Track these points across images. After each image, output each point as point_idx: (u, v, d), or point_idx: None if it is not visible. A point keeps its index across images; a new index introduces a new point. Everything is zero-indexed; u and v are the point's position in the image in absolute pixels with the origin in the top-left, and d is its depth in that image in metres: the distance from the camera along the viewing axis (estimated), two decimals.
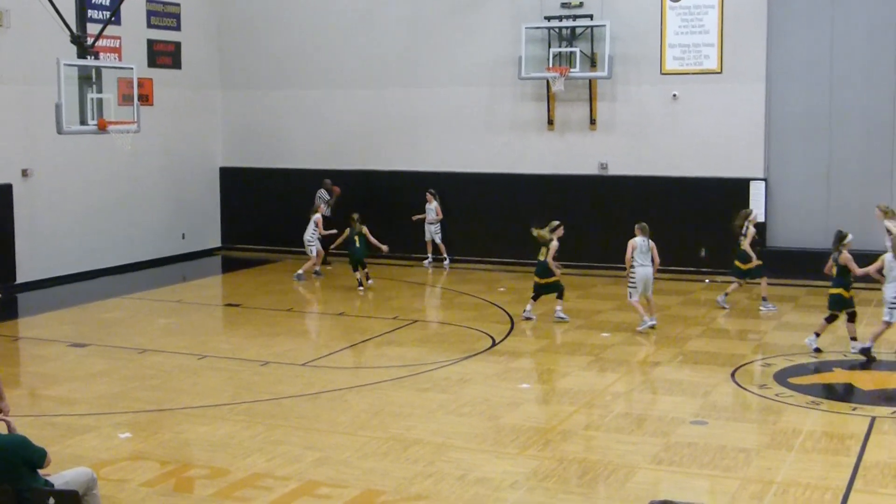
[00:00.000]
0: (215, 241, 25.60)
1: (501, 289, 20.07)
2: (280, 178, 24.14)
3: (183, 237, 24.43)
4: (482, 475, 9.98)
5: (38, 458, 7.54)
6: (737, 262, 18.38)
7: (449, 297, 18.53)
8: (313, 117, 24.70)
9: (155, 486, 9.77)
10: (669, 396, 12.86)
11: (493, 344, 15.75)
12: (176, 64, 24.16)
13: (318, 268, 21.49)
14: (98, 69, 16.60)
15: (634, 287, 16.55)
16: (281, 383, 13.54)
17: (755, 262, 18.27)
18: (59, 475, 7.76)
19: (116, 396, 12.86)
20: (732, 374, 13.79)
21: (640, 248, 16.62)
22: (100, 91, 16.55)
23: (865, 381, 13.55)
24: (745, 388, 13.18)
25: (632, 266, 16.52)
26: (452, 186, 23.29)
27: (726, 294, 18.49)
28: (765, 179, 21.38)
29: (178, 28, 24.16)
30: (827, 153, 21.26)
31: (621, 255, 22.08)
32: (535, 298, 17.36)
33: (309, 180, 24.10)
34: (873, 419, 11.73)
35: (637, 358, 14.79)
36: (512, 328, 16.71)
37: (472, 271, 21.39)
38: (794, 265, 21.08)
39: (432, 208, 22.33)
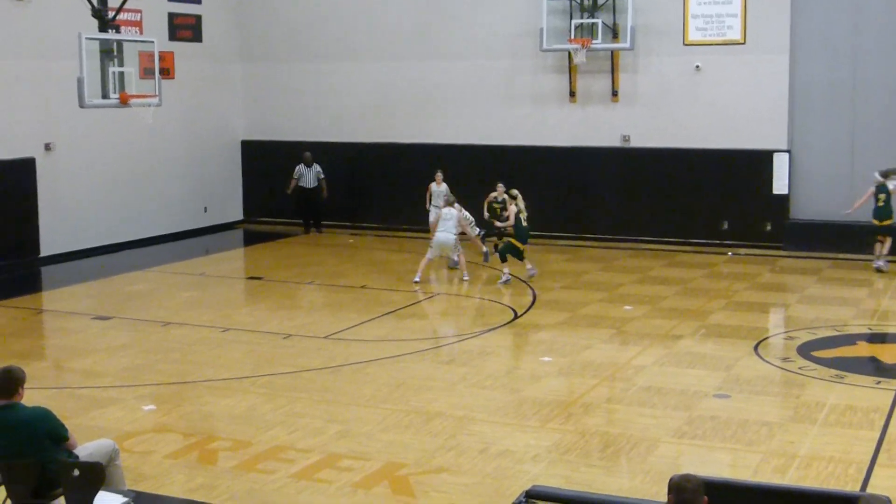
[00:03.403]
0: (237, 214, 25.64)
1: (530, 266, 20.03)
2: (301, 150, 24.09)
3: (205, 210, 24.48)
4: (504, 448, 9.99)
5: (62, 430, 7.59)
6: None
7: (470, 269, 18.51)
8: (333, 90, 24.63)
9: (178, 458, 9.83)
10: (692, 370, 12.84)
11: (515, 317, 15.74)
12: (196, 37, 24.13)
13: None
14: (119, 43, 16.59)
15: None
16: (303, 356, 13.58)
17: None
18: (83, 447, 7.81)
19: (140, 369, 12.93)
20: (755, 348, 13.74)
21: (445, 216, 18.27)
22: (121, 65, 16.55)
23: (890, 354, 13.49)
24: (768, 362, 13.14)
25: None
26: (472, 159, 23.21)
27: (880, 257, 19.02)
28: (788, 151, 21.23)
29: (198, 1, 24.10)
30: (851, 124, 21.07)
31: (643, 228, 22.11)
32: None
33: (330, 153, 24.10)
34: None
35: (659, 331, 14.75)
36: (534, 301, 16.68)
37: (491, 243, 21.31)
38: (818, 237, 20.96)
39: (442, 191, 20.62)
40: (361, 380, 12.48)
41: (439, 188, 20.49)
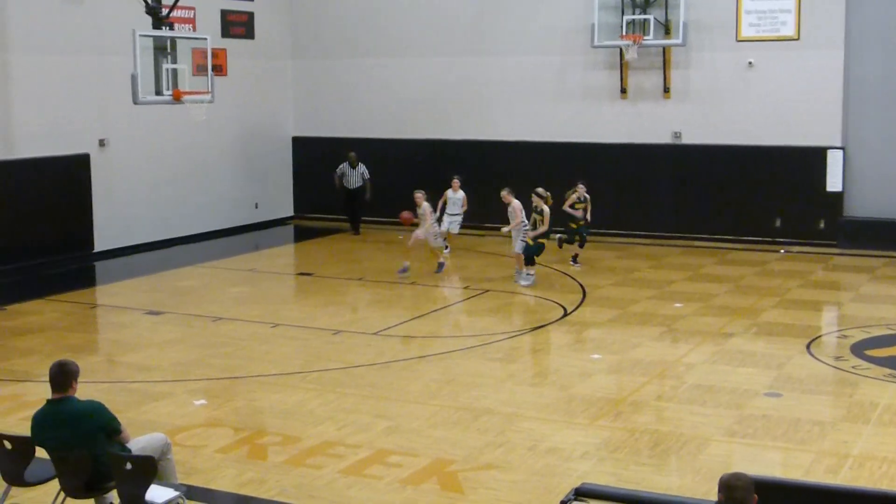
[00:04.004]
0: (287, 210, 25.80)
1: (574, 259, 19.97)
2: (351, 147, 24.17)
3: (256, 206, 24.65)
4: (552, 445, 9.97)
5: (115, 424, 7.67)
6: None
7: (511, 264, 18.47)
8: (383, 86, 24.71)
9: (229, 452, 9.91)
10: (743, 368, 12.72)
11: (565, 314, 15.70)
12: (249, 34, 24.30)
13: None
14: (173, 40, 16.77)
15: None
16: (352, 352, 13.62)
17: None
18: (135, 441, 7.89)
19: (191, 364, 13.04)
20: (808, 346, 13.59)
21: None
22: (174, 62, 16.73)
23: None
24: (820, 360, 12.99)
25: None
26: (523, 155, 23.19)
27: None
28: (842, 148, 20.98)
29: None
30: None
31: (695, 225, 21.95)
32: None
33: (380, 149, 24.18)
34: None
35: (710, 329, 14.63)
36: (584, 298, 16.62)
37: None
38: (872, 235, 20.71)
39: (459, 198, 20.16)
40: (410, 376, 12.50)
41: (456, 195, 20.05)
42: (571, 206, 18.91)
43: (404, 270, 18.35)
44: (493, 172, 23.13)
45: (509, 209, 17.69)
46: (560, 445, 9.97)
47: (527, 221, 17.59)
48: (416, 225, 18.42)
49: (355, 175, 23.30)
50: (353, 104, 25.08)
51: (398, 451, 9.86)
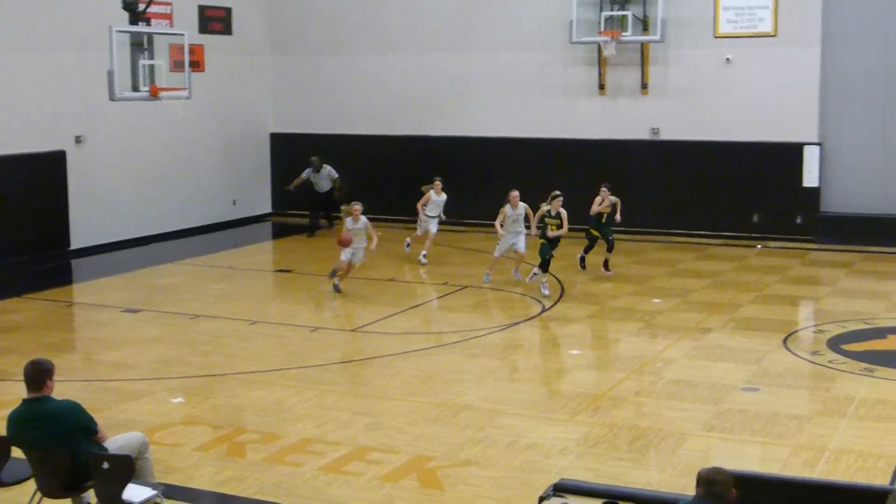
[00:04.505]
0: (266, 207, 25.73)
1: (522, 250, 19.97)
2: (330, 143, 24.15)
3: (234, 203, 24.58)
4: (532, 441, 9.99)
5: (91, 423, 7.64)
6: None
7: (499, 263, 18.47)
8: (363, 83, 24.66)
9: (207, 450, 9.88)
10: (721, 363, 12.77)
11: (544, 310, 15.72)
12: (227, 30, 24.22)
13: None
14: (150, 36, 16.68)
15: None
16: (331, 349, 13.61)
17: None
18: (112, 440, 7.85)
19: (169, 361, 13.00)
20: (785, 341, 13.66)
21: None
22: (151, 57, 16.64)
23: None
24: (797, 355, 13.06)
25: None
26: (503, 152, 23.21)
27: None
28: (819, 144, 21.08)
29: None
30: (883, 116, 20.90)
31: (673, 220, 22.04)
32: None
33: (359, 146, 24.14)
34: None
35: (688, 324, 14.69)
36: (562, 294, 16.65)
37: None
38: (849, 230, 20.82)
39: (441, 200, 19.51)
40: (390, 373, 12.50)
41: (439, 197, 19.40)
42: (597, 214, 17.90)
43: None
44: (473, 169, 23.18)
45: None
46: (539, 441, 9.98)
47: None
48: (346, 244, 16.57)
49: (322, 178, 22.79)
50: (333, 100, 25.03)
51: (378, 447, 9.86)
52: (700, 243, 21.23)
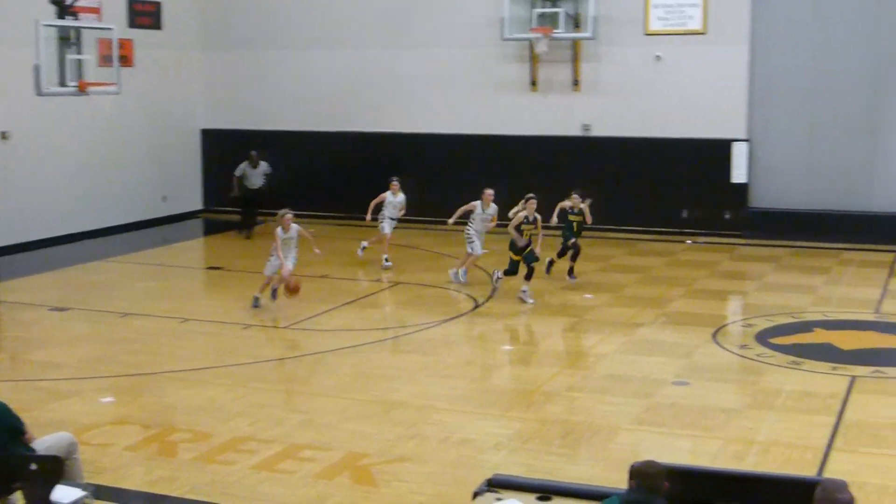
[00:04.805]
0: (196, 203, 25.48)
1: (484, 251, 20.02)
2: (262, 139, 23.98)
3: (164, 200, 24.30)
4: (465, 437, 10.01)
5: (18, 424, 7.51)
6: None
7: (431, 258, 18.51)
8: (295, 78, 24.52)
9: (138, 450, 9.76)
10: (651, 357, 12.91)
11: (476, 306, 15.76)
12: (156, 24, 23.92)
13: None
14: (77, 30, 16.45)
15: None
16: (264, 346, 13.53)
17: None
18: (40, 441, 7.73)
19: (99, 360, 12.82)
20: (714, 335, 13.84)
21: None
22: (79, 52, 16.42)
23: (845, 340, 13.62)
24: (726, 349, 13.24)
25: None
26: (436, 148, 23.22)
27: None
28: (748, 140, 21.37)
29: None
30: (809, 114, 21.24)
31: (605, 216, 22.16)
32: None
33: (292, 142, 24.01)
34: (853, 378, 11.80)
35: (620, 319, 14.81)
36: (495, 290, 16.69)
37: (455, 233, 21.29)
38: (777, 226, 21.14)
39: (399, 201, 18.85)
40: (323, 369, 12.46)
41: (396, 198, 18.73)
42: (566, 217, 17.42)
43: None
44: (406, 165, 23.13)
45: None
46: (473, 437, 10.01)
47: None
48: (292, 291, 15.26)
49: (257, 175, 22.25)
50: (265, 96, 24.85)
51: (311, 445, 9.82)
52: (631, 239, 21.42)
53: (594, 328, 14.44)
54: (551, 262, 17.45)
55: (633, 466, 5.68)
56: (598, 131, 22.29)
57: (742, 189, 21.44)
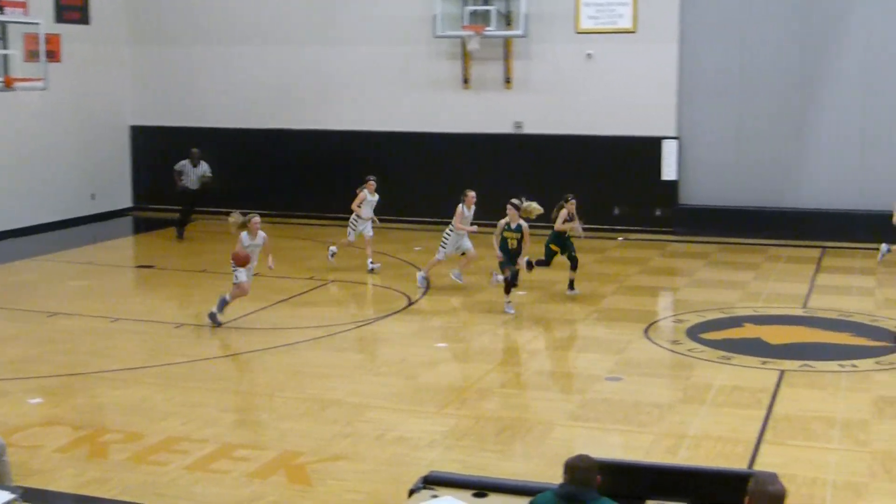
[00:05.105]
0: (126, 201, 25.15)
1: (417, 248, 20.05)
2: (193, 136, 23.71)
3: (92, 197, 23.95)
4: (400, 434, 10.01)
5: None
6: None
7: (365, 256, 18.45)
8: (227, 74, 24.32)
9: (68, 451, 9.63)
10: (585, 353, 13.01)
11: (410, 303, 15.76)
12: (84, 19, 23.58)
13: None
14: (3, 24, 16.17)
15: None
16: (196, 345, 13.41)
17: None
18: None
19: (27, 361, 12.61)
20: (646, 331, 13.98)
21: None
22: (5, 47, 16.14)
23: (774, 335, 13.84)
24: (658, 344, 13.38)
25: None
26: (368, 145, 23.17)
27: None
28: (677, 138, 21.62)
29: None
30: (738, 112, 21.55)
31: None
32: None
33: (224, 138, 23.79)
34: (782, 372, 12.00)
35: (553, 315, 14.91)
36: (428, 287, 16.71)
37: (387, 230, 21.29)
38: (707, 222, 21.40)
39: (375, 200, 18.18)
40: (257, 368, 12.38)
41: (373, 197, 18.05)
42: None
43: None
44: (338, 162, 23.08)
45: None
46: (408, 434, 10.02)
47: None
48: (244, 263, 14.29)
49: (195, 174, 21.26)
50: (196, 92, 24.60)
51: (245, 444, 9.76)
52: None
53: (527, 325, 14.51)
54: (529, 263, 15.86)
55: (566, 461, 5.72)
56: (530, 129, 22.40)
57: (672, 186, 21.68)
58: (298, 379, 11.85)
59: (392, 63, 23.09)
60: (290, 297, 16.25)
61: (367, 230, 18.04)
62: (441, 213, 20.42)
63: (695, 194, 21.88)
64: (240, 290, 14.32)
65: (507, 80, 22.46)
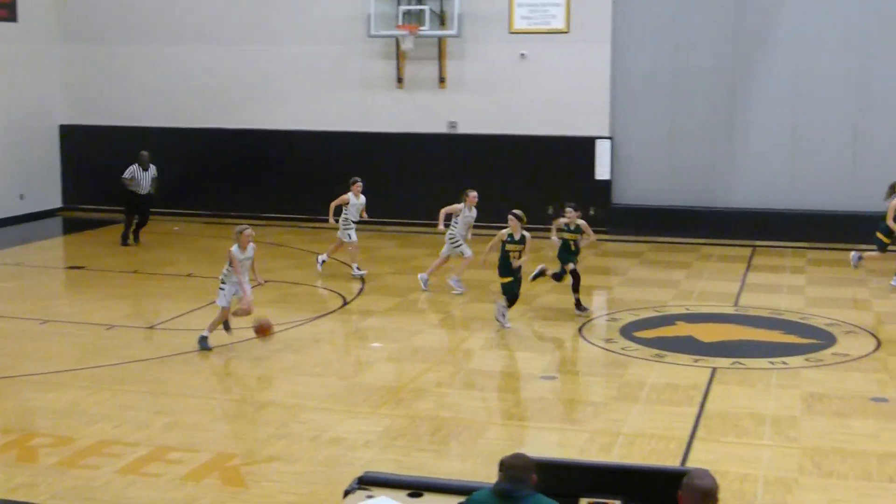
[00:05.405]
0: (56, 201, 24.77)
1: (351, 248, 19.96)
2: (125, 136, 23.45)
3: (21, 198, 23.55)
4: (335, 435, 9.97)
5: None
6: (878, 234, 17.03)
7: (299, 256, 18.37)
8: (161, 73, 24.04)
9: None
10: (520, 352, 13.06)
11: (344, 303, 15.72)
12: (11, 17, 23.17)
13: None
14: None
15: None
16: (128, 347, 13.24)
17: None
18: None
19: None
20: (580, 330, 14.06)
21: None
22: None
23: (706, 333, 14.00)
24: (592, 343, 13.47)
25: None
26: (303, 145, 23.06)
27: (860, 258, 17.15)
28: (610, 138, 21.79)
29: None
30: (671, 112, 21.78)
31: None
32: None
33: (156, 138, 23.51)
34: (714, 370, 12.14)
35: (487, 315, 14.93)
36: (363, 287, 16.67)
37: (322, 230, 21.19)
38: (639, 222, 21.59)
39: (361, 203, 17.60)
40: (190, 370, 12.26)
41: (358, 200, 17.47)
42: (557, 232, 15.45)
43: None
44: (273, 162, 22.94)
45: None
46: (343, 435, 9.98)
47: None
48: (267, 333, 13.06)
49: (146, 179, 20.42)
50: (127, 92, 24.29)
51: (178, 447, 9.65)
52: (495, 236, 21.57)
53: (462, 324, 14.53)
54: (542, 273, 15.33)
55: (502, 460, 5.74)
56: (464, 129, 22.44)
57: (605, 186, 21.84)
58: (232, 380, 11.76)
59: (326, 62, 23.00)
60: None
61: (354, 235, 17.55)
62: (379, 213, 20.38)
63: (628, 194, 22.08)
64: (222, 316, 13.16)
65: (442, 80, 22.48)
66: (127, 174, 20.35)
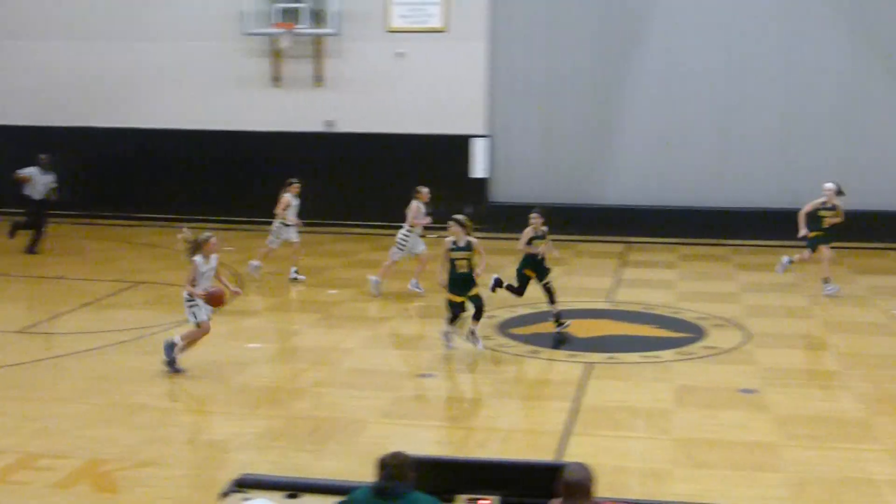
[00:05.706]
0: None
1: (229, 248, 19.70)
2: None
3: None
4: (212, 437, 9.85)
5: None
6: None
7: (175, 257, 18.01)
8: (27, 69, 23.37)
9: None
10: (398, 350, 13.07)
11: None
12: None
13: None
14: None
15: None
16: None
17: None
18: None
19: None
20: (457, 328, 14.09)
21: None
22: None
23: (581, 328, 14.19)
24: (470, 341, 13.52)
25: None
26: (177, 144, 22.69)
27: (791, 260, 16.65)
28: (487, 136, 21.95)
29: None
30: (546, 111, 22.04)
31: (348, 212, 22.25)
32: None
33: (21, 137, 22.83)
34: (589, 365, 12.32)
35: (365, 314, 14.92)
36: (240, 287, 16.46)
37: (199, 231, 20.94)
38: (516, 219, 21.72)
39: (298, 205, 17.31)
40: (59, 374, 11.95)
41: (297, 201, 17.23)
42: (528, 244, 14.42)
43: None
44: (145, 162, 22.53)
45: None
46: (219, 437, 9.86)
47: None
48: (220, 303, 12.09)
49: (42, 183, 19.38)
50: None
51: (48, 454, 9.40)
52: (374, 234, 21.57)
53: (339, 323, 14.48)
54: (499, 283, 14.46)
55: (380, 458, 5.74)
56: (341, 127, 22.38)
57: (482, 184, 22.01)
58: (104, 384, 11.49)
59: (200, 60, 22.68)
60: (95, 301, 15.75)
61: (293, 236, 17.17)
62: (253, 213, 20.20)
63: (505, 192, 22.28)
64: (202, 331, 12.07)
65: (319, 79, 22.37)
66: (26, 172, 19.33)
